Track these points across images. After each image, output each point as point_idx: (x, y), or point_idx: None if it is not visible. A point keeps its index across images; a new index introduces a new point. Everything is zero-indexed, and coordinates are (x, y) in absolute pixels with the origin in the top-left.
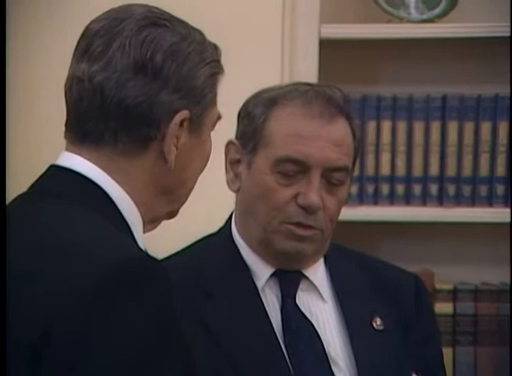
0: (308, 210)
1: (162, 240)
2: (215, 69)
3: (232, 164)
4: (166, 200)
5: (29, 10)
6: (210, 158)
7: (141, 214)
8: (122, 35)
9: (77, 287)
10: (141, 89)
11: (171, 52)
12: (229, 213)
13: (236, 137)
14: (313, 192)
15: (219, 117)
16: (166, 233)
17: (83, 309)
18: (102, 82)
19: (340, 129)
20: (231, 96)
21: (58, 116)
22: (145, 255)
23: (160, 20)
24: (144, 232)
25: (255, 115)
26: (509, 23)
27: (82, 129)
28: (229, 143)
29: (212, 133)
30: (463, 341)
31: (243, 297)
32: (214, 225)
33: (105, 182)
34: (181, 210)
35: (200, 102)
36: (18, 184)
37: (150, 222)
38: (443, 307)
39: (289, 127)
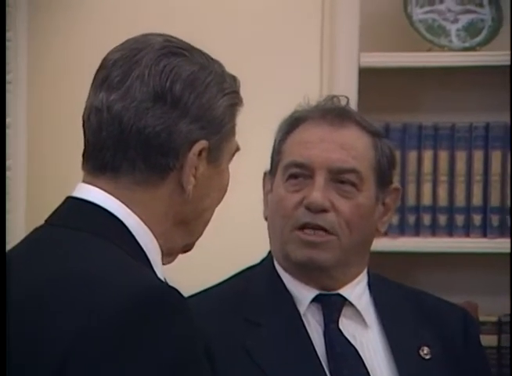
0: (311, 209)
1: (185, 275)
2: (234, 100)
3: (266, 194)
4: (183, 230)
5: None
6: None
7: (159, 245)
8: (141, 65)
9: (96, 319)
10: (160, 118)
11: (190, 82)
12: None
13: None
14: (315, 191)
15: (238, 149)
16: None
17: (101, 340)
18: (120, 111)
19: (349, 134)
20: (269, 125)
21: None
22: (164, 285)
23: (179, 50)
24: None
25: (276, 139)
26: None
27: (100, 159)
28: (264, 174)
29: (247, 163)
30: (508, 375)
31: (286, 324)
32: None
33: (123, 213)
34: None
35: (218, 132)
36: (33, 217)
37: (168, 255)
38: (488, 339)
39: (299, 137)
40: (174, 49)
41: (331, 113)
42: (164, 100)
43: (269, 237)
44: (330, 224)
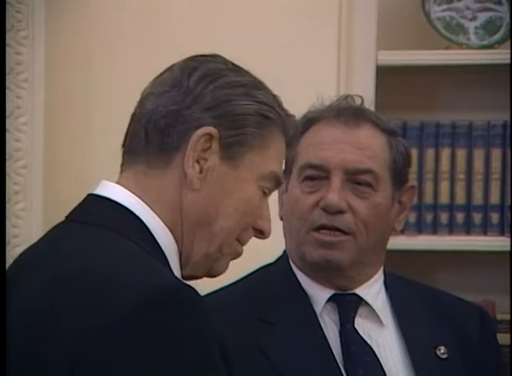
0: (328, 210)
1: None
2: (267, 113)
3: (281, 194)
4: (197, 235)
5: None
6: None
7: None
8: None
9: (102, 318)
10: (173, 100)
11: (210, 74)
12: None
13: None
14: (332, 192)
15: (276, 177)
16: None
17: (106, 339)
18: (146, 97)
19: (364, 134)
20: None
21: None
22: (179, 284)
23: (218, 60)
24: (184, 274)
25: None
26: None
27: (126, 146)
28: None
29: None
30: None
31: (302, 323)
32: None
33: (141, 210)
34: None
35: (234, 127)
36: (50, 215)
37: (186, 262)
38: (504, 338)
39: (314, 138)
40: (211, 59)
41: (345, 112)
42: (179, 86)
43: (284, 237)
44: (347, 225)
